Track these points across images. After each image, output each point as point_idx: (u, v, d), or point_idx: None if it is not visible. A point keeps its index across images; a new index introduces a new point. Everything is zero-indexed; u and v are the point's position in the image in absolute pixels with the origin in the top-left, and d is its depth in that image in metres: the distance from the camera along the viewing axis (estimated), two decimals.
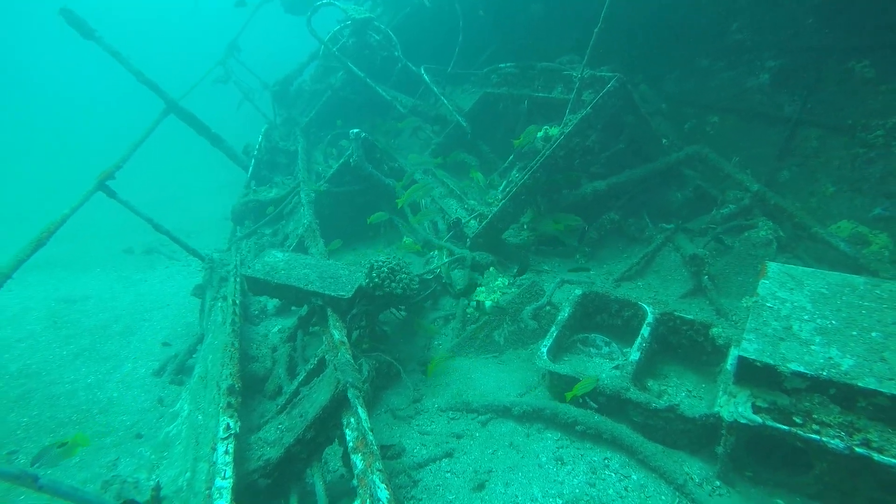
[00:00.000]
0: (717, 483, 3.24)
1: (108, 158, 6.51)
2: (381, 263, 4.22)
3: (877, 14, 4.99)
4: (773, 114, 5.83)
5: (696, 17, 6.21)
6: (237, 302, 4.90)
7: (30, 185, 18.47)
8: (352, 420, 3.03)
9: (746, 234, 5.14)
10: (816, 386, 2.90)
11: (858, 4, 5.03)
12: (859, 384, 2.75)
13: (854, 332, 3.06)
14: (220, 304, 5.12)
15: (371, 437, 2.90)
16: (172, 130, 9.14)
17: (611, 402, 3.79)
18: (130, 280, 9.06)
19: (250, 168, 8.73)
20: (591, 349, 4.49)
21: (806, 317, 3.25)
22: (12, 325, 7.06)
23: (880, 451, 2.59)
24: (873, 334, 3.02)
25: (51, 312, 7.44)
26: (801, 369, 2.91)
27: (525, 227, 6.11)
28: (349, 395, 3.06)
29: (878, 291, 3.34)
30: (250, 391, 4.22)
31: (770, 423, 2.89)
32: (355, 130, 6.44)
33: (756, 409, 2.98)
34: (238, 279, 5.38)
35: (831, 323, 3.17)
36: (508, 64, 7.12)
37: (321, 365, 3.82)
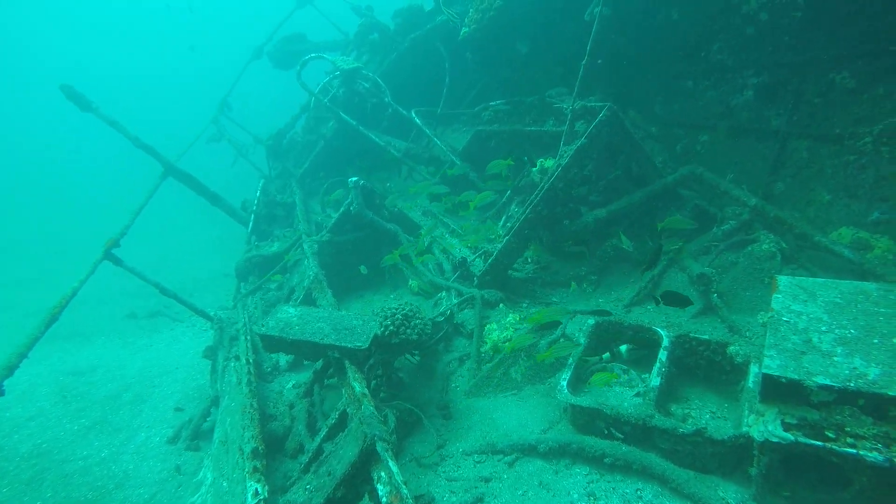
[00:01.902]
0: None
1: (107, 222, 6.61)
2: (394, 311, 4.23)
3: (851, 25, 5.16)
4: (761, 128, 5.95)
5: (676, 41, 6.41)
6: (251, 360, 4.88)
7: (30, 251, 18.52)
8: (383, 474, 2.98)
9: (749, 248, 5.18)
10: (845, 398, 2.89)
11: (832, 17, 5.21)
12: (890, 393, 2.74)
13: (875, 340, 3.06)
14: (233, 364, 5.10)
15: (405, 491, 2.86)
16: (166, 189, 9.24)
17: (636, 431, 3.75)
18: (136, 346, 9.02)
19: (250, 223, 8.81)
20: None
21: (824, 328, 3.26)
22: (21, 403, 6.99)
23: None
24: (895, 340, 3.03)
25: (59, 387, 7.37)
26: (828, 382, 2.90)
27: (529, 260, 6.15)
28: (378, 449, 3.03)
29: (892, 297, 3.36)
30: (271, 451, 4.16)
31: (803, 439, 2.85)
32: (353, 178, 6.53)
33: (786, 427, 2.95)
34: (249, 337, 5.37)
35: (850, 332, 3.17)
36: (499, 101, 7.29)
37: (343, 419, 3.79)
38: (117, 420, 6.29)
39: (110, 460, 5.53)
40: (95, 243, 6.63)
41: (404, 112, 8.83)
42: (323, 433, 3.89)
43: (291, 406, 4.63)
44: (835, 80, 5.41)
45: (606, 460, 3.66)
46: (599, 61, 5.50)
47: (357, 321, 4.19)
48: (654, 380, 3.93)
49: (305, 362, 5.42)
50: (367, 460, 3.10)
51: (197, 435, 5.51)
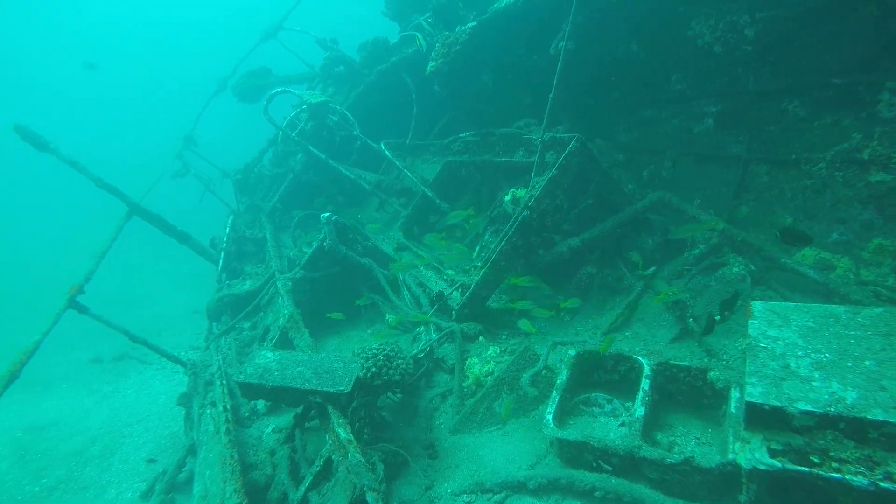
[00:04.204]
0: None
1: (68, 264, 6.34)
2: (375, 352, 4.18)
3: (798, 58, 5.44)
4: (722, 154, 6.18)
5: (637, 73, 6.64)
6: (228, 407, 4.72)
7: None
8: None
9: (720, 271, 5.32)
10: (825, 422, 2.96)
11: (780, 51, 5.49)
12: (868, 416, 2.82)
13: (849, 363, 3.16)
14: (209, 411, 4.92)
15: None
16: (131, 224, 8.94)
17: (624, 462, 3.76)
18: (102, 393, 8.61)
19: (220, 261, 8.62)
20: (594, 408, 4.49)
21: (800, 353, 3.34)
22: None
23: None
24: (867, 363, 3.13)
25: (16, 445, 6.90)
26: (809, 408, 2.97)
27: (505, 291, 6.17)
28: (368, 499, 2.95)
29: (859, 319, 3.48)
30: (253, 501, 4.01)
31: (790, 466, 2.91)
32: (326, 214, 6.48)
33: (773, 453, 3.01)
34: (225, 381, 5.20)
35: (825, 356, 3.27)
36: (468, 133, 7.38)
37: (328, 466, 3.69)
38: (84, 477, 5.95)
39: None
40: (57, 287, 6.37)
41: (373, 144, 8.87)
42: (308, 482, 3.78)
43: (272, 453, 4.49)
44: (787, 108, 5.67)
45: (597, 494, 3.66)
46: (566, 92, 5.65)
47: (338, 364, 4.12)
48: (639, 409, 3.97)
49: (283, 405, 5.28)
50: None
51: (172, 488, 5.27)
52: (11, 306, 15.14)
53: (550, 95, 5.54)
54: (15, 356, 4.49)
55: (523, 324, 5.21)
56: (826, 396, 3.01)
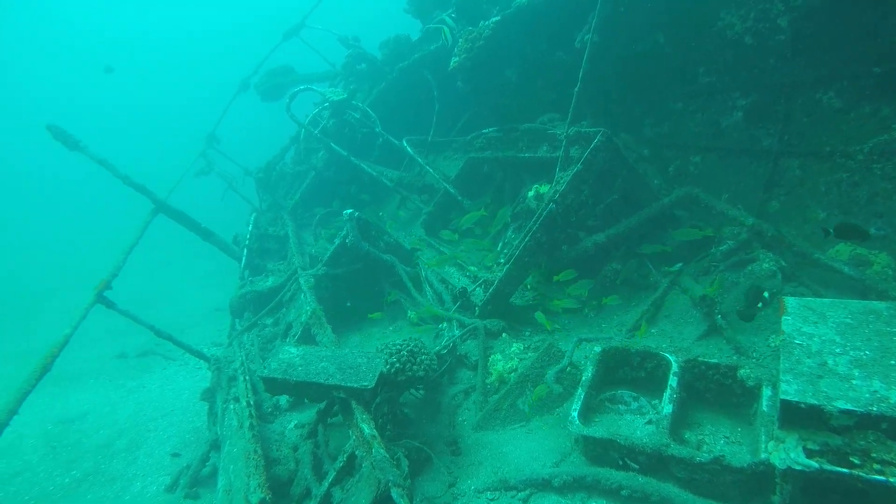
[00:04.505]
0: None
1: (95, 262, 6.44)
2: (399, 347, 4.15)
3: (834, 48, 5.27)
4: (753, 148, 6.02)
5: (664, 65, 6.51)
6: (251, 402, 4.75)
7: (16, 293, 18.06)
8: None
9: (749, 267, 5.19)
10: (866, 422, 2.84)
11: (815, 41, 5.32)
12: None
13: (892, 361, 3.03)
14: (232, 406, 4.95)
15: None
16: (155, 222, 9.07)
17: (651, 461, 3.68)
18: (128, 388, 8.75)
19: (243, 258, 8.69)
20: (620, 406, 4.39)
21: (838, 350, 3.23)
22: (6, 457, 6.66)
23: None
24: None
25: (47, 437, 7.06)
26: (849, 406, 2.86)
27: (529, 287, 6.10)
28: (393, 495, 2.92)
29: None
30: (276, 496, 4.01)
31: (828, 466, 2.80)
32: (349, 211, 6.49)
33: (809, 454, 2.90)
34: (248, 377, 5.23)
35: (865, 354, 3.15)
36: (491, 129, 7.32)
37: (351, 462, 3.67)
38: (111, 469, 6.05)
39: None
40: (85, 284, 6.47)
41: (395, 141, 8.85)
42: (331, 477, 3.77)
43: (295, 448, 4.50)
44: (821, 99, 5.51)
45: (623, 492, 3.58)
46: (591, 86, 5.56)
47: (362, 359, 4.10)
48: (667, 407, 3.88)
49: (307, 401, 5.29)
50: None
51: (196, 482, 5.32)
52: (39, 304, 15.52)
53: (575, 89, 5.45)
54: (46, 350, 4.57)
55: (539, 316, 5.15)
56: (867, 395, 2.89)
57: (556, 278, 5.37)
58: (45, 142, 7.80)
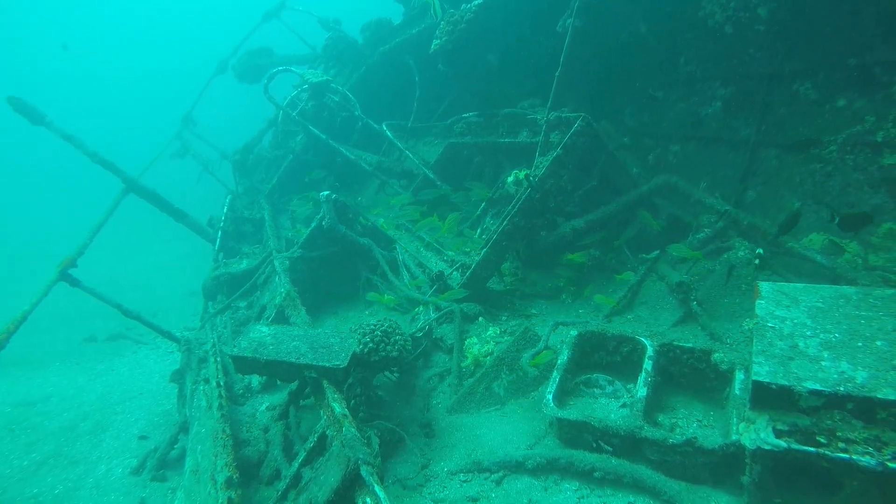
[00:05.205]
0: None
1: (64, 242, 6.22)
2: (373, 327, 4.09)
3: (812, 40, 5.32)
4: (731, 138, 6.07)
5: (645, 54, 6.51)
6: (221, 383, 4.64)
7: None
8: (368, 500, 2.82)
9: (725, 255, 5.23)
10: (833, 402, 2.88)
11: (794, 32, 5.36)
12: (878, 396, 2.74)
13: (859, 343, 3.07)
14: (202, 387, 4.84)
15: None
16: (126, 204, 8.81)
17: (625, 443, 3.70)
18: (96, 371, 8.49)
19: (217, 241, 8.50)
20: (595, 390, 4.40)
21: (809, 333, 3.26)
22: None
23: None
24: (878, 343, 3.05)
25: (6, 420, 6.78)
26: (818, 387, 2.89)
27: (506, 273, 6.07)
28: (362, 473, 2.86)
29: (870, 300, 3.39)
30: (245, 478, 3.93)
31: (795, 446, 2.83)
32: (325, 193, 6.36)
33: (778, 434, 2.93)
34: (219, 358, 5.12)
35: (835, 336, 3.18)
36: (471, 113, 7.26)
37: (322, 442, 3.60)
38: (74, 452, 5.85)
39: (65, 497, 5.12)
40: (50, 264, 6.26)
41: (375, 125, 8.74)
42: (301, 458, 3.69)
43: (266, 430, 4.41)
44: (799, 91, 5.56)
45: (596, 474, 3.59)
46: (572, 72, 5.53)
47: (335, 339, 4.02)
48: (641, 390, 3.89)
49: (279, 383, 5.19)
50: (350, 486, 2.93)
51: (163, 464, 5.18)
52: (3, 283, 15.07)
53: (556, 74, 5.42)
54: (1, 326, 4.38)
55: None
56: (835, 376, 2.93)
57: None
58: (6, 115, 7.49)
